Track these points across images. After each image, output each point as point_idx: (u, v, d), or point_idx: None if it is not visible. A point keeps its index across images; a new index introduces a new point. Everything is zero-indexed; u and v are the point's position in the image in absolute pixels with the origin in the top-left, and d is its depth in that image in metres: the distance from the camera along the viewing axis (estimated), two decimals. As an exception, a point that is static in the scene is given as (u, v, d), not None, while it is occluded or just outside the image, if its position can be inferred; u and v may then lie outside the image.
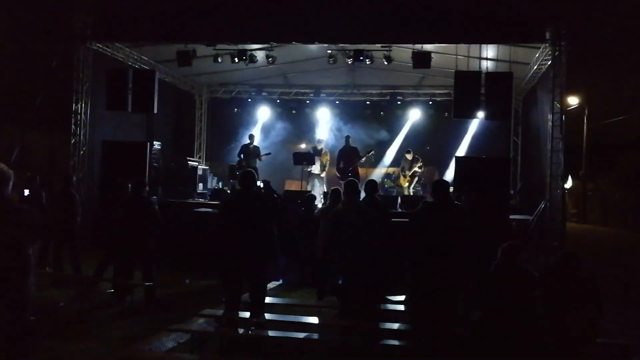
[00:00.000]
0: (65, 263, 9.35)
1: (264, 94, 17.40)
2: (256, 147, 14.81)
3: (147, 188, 8.36)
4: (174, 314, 7.35)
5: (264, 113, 17.58)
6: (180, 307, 7.81)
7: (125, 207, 7.95)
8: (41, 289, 6.45)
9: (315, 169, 14.19)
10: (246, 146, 14.67)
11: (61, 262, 9.37)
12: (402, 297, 7.67)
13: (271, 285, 8.37)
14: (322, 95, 17.10)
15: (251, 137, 15.10)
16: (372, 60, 12.89)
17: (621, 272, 12.33)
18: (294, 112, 17.41)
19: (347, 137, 14.45)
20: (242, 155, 14.38)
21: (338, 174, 14.02)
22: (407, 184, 14.61)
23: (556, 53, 10.58)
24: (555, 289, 5.61)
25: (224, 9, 11.44)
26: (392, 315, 6.98)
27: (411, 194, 14.09)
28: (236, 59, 13.17)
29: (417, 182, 14.62)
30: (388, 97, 16.77)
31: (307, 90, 17.16)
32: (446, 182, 6.39)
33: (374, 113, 17.10)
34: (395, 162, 16.31)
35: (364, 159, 14.08)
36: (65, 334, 6.36)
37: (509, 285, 5.43)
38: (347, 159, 14.01)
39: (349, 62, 13.06)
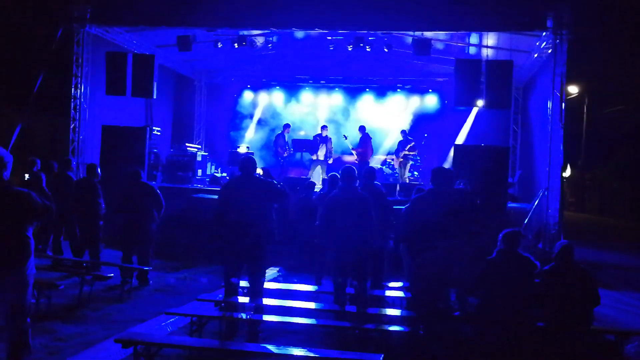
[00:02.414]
0: (65, 246, 9.41)
1: (264, 79, 17.38)
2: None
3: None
4: (173, 299, 7.41)
5: (264, 99, 17.60)
6: (178, 292, 7.86)
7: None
8: (41, 272, 6.47)
9: (321, 155, 14.27)
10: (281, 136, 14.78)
11: (60, 245, 9.43)
12: (400, 284, 7.72)
13: (270, 270, 8.40)
14: (322, 81, 17.09)
15: (287, 126, 15.19)
16: (372, 47, 12.85)
17: (617, 260, 12.44)
18: (294, 98, 17.42)
19: (363, 127, 14.57)
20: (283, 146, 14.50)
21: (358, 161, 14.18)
22: (399, 166, 14.69)
23: (557, 41, 10.54)
24: (552, 279, 5.66)
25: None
26: (390, 301, 7.03)
27: (407, 180, 14.14)
28: (236, 45, 13.12)
29: (410, 166, 14.73)
30: (389, 83, 16.81)
31: (307, 76, 17.12)
32: (443, 168, 6.40)
33: (373, 99, 17.14)
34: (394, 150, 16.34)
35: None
36: (65, 317, 6.41)
37: (509, 272, 5.48)
38: (366, 147, 14.21)
39: (349, 49, 13.02)
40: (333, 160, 14.52)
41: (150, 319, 6.42)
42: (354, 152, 14.75)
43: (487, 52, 12.74)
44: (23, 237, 4.22)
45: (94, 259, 8.51)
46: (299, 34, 12.88)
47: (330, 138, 14.63)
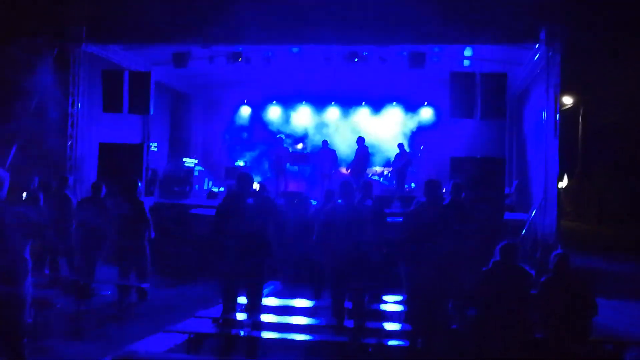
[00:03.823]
0: (62, 264, 9.38)
1: (260, 94, 17.44)
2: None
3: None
4: (171, 315, 7.38)
5: (261, 114, 17.67)
6: (176, 309, 7.83)
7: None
8: (38, 290, 6.45)
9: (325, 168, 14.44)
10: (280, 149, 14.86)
11: (58, 263, 9.39)
12: (399, 297, 7.71)
13: (267, 286, 8.38)
14: (318, 96, 17.16)
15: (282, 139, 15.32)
16: (367, 61, 12.91)
17: (615, 268, 12.43)
18: (291, 112, 17.50)
19: (362, 139, 14.63)
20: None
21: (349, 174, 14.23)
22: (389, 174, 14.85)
23: (550, 53, 10.61)
24: (549, 289, 5.66)
25: (218, 10, 11.45)
26: (389, 315, 7.02)
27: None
28: (231, 60, 13.17)
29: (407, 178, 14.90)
30: (385, 96, 16.90)
31: (303, 91, 17.18)
32: (436, 181, 6.41)
33: (370, 112, 17.22)
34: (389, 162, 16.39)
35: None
36: (62, 335, 6.38)
37: (506, 283, 5.48)
38: (362, 159, 14.27)
39: (345, 63, 13.08)
40: (335, 172, 14.63)
41: (148, 337, 6.40)
42: (344, 170, 14.84)
43: (481, 65, 12.80)
44: (19, 256, 4.22)
45: (89, 276, 8.48)
46: (295, 49, 12.94)
47: (334, 151, 14.75)
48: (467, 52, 12.68)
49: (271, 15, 11.17)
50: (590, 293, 5.68)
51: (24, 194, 9.20)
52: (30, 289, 4.33)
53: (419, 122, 16.90)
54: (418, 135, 16.71)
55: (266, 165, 15.62)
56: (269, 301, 7.05)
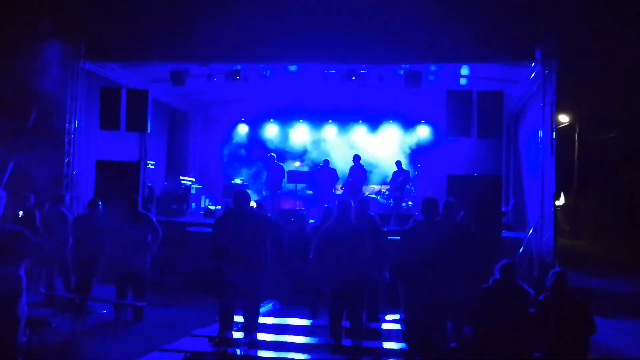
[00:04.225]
0: (57, 282, 9.33)
1: (258, 112, 17.49)
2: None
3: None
4: (167, 333, 7.33)
5: (258, 131, 17.71)
6: (172, 327, 7.78)
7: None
8: (33, 309, 6.41)
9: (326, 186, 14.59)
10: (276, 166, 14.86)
11: (53, 281, 9.34)
12: (396, 316, 7.67)
13: (264, 304, 8.34)
14: (315, 113, 17.22)
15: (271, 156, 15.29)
16: (364, 79, 12.98)
17: (613, 286, 12.40)
18: (288, 130, 17.55)
19: (357, 157, 14.68)
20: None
21: (343, 192, 14.26)
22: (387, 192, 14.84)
23: (546, 72, 10.69)
24: (547, 308, 5.64)
25: (216, 29, 11.52)
26: (386, 334, 6.98)
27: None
28: (229, 78, 13.22)
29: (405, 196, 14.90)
30: (382, 114, 16.98)
31: (301, 109, 17.24)
32: (434, 199, 6.41)
33: (367, 130, 17.29)
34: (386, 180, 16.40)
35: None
36: (58, 355, 6.33)
37: (505, 301, 5.47)
38: (356, 177, 14.28)
39: (342, 82, 13.14)
40: (335, 191, 14.67)
41: (144, 356, 6.34)
42: (339, 187, 14.87)
43: (477, 83, 12.88)
44: (15, 275, 4.20)
45: (85, 294, 8.43)
46: (292, 67, 13.00)
47: (335, 170, 14.79)
48: (464, 70, 12.76)
49: (269, 34, 11.24)
50: (588, 311, 5.66)
51: (21, 212, 9.17)
52: (25, 308, 4.31)
53: (418, 140, 16.93)
54: (416, 153, 16.74)
55: (262, 183, 15.59)
56: (265, 320, 7.02)
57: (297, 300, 9.09)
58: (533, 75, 11.61)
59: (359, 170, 14.55)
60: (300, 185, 14.87)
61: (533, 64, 11.16)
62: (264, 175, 15.36)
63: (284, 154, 16.68)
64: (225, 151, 17.70)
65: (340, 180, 14.94)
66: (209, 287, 6.65)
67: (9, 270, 4.18)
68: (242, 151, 17.64)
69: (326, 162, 15.04)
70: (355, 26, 11.10)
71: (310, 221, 10.22)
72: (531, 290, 5.55)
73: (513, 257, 9.60)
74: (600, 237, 27.36)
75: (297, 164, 16.78)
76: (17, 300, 4.20)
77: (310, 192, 15.62)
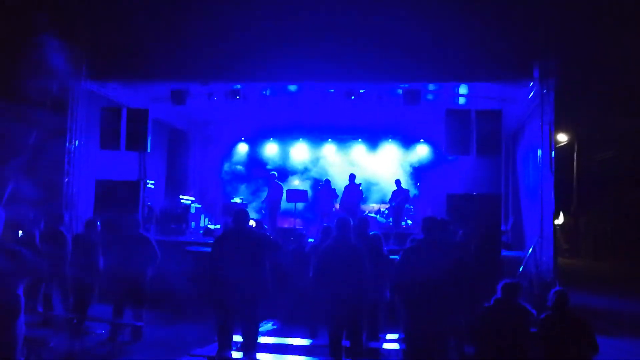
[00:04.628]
0: (56, 302, 9.27)
1: (258, 131, 17.55)
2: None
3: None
4: (166, 354, 7.28)
5: (258, 150, 17.76)
6: (171, 347, 7.73)
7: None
8: (31, 328, 6.37)
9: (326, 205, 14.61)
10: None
11: (51, 301, 9.29)
12: (396, 336, 7.63)
13: (263, 324, 8.29)
14: (315, 132, 17.29)
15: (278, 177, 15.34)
16: (363, 98, 13.04)
17: (614, 305, 12.34)
18: (288, 149, 17.60)
19: (352, 176, 14.71)
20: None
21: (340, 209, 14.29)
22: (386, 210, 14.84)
23: (544, 91, 10.74)
24: (549, 328, 5.62)
25: (216, 49, 11.61)
26: (386, 354, 6.93)
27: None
28: (229, 98, 13.27)
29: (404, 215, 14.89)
30: (381, 133, 17.05)
31: (300, 128, 17.31)
32: (434, 218, 6.41)
33: (366, 149, 17.34)
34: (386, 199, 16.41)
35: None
36: (55, 376, 6.28)
37: (507, 321, 5.45)
38: (351, 196, 14.27)
39: (341, 101, 13.20)
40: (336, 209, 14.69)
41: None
42: (336, 206, 14.90)
43: (476, 102, 12.93)
44: (13, 295, 4.17)
45: (83, 314, 8.38)
46: (292, 87, 13.07)
47: (335, 190, 14.83)
48: (463, 89, 12.83)
49: (269, 54, 11.32)
50: (590, 331, 5.63)
51: (20, 232, 9.14)
52: (23, 328, 4.27)
53: (417, 159, 16.98)
54: (416, 171, 16.78)
55: (260, 202, 15.59)
56: (265, 339, 6.97)
57: (297, 320, 9.04)
58: (531, 94, 11.67)
59: (354, 189, 14.57)
60: (299, 204, 14.86)
61: (531, 83, 11.22)
62: (264, 193, 15.36)
63: (285, 173, 16.70)
64: (225, 170, 17.72)
65: (337, 199, 14.97)
66: (208, 306, 6.61)
67: (7, 291, 4.15)
68: (242, 169, 17.67)
69: (327, 182, 15.05)
70: (354, 46, 11.19)
71: (310, 240, 10.20)
72: (534, 311, 5.53)
73: (513, 276, 9.59)
74: (600, 256, 27.31)
75: (297, 182, 16.79)
76: (15, 320, 4.17)
77: (310, 215, 15.62)
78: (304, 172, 17.19)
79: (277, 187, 14.75)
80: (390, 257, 8.18)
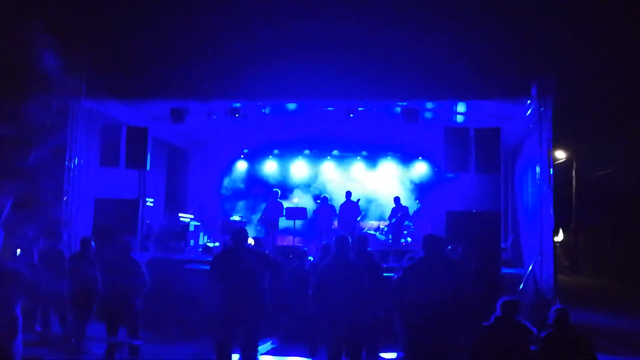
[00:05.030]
0: (53, 321, 9.23)
1: (257, 149, 17.59)
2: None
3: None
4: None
5: (257, 168, 17.78)
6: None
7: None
8: (28, 348, 6.33)
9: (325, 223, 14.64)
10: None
11: (49, 320, 9.24)
12: (394, 354, 7.59)
13: (262, 342, 8.24)
14: (314, 150, 17.34)
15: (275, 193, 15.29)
16: (362, 116, 13.08)
17: (615, 323, 12.28)
18: (287, 167, 17.62)
19: (348, 193, 14.74)
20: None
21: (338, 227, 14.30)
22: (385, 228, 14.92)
23: (542, 108, 10.77)
24: (549, 345, 5.59)
25: (216, 67, 11.67)
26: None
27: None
28: (229, 116, 13.30)
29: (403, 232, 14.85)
30: (380, 151, 17.10)
31: (300, 146, 17.35)
32: (435, 236, 6.40)
33: (365, 166, 17.37)
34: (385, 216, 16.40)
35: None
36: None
37: (507, 339, 5.42)
38: (348, 214, 14.24)
39: (340, 118, 13.24)
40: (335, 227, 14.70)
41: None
42: (335, 223, 14.91)
43: (474, 119, 12.98)
44: (10, 314, 4.16)
45: (81, 333, 8.32)
46: (291, 105, 13.13)
47: (334, 207, 14.83)
48: (461, 107, 12.89)
49: (268, 73, 11.39)
50: (591, 349, 5.60)
51: (18, 250, 9.13)
52: (21, 347, 4.26)
53: (417, 176, 17.01)
54: (415, 188, 16.79)
55: (258, 219, 15.54)
56: (264, 358, 6.93)
57: (296, 338, 8.99)
58: (529, 111, 11.71)
59: (351, 206, 14.59)
60: (298, 222, 14.84)
61: (529, 101, 11.27)
62: (261, 211, 15.34)
63: (284, 190, 16.69)
64: (224, 187, 17.72)
65: (336, 217, 14.96)
66: (207, 324, 6.58)
67: (5, 310, 4.14)
68: (241, 187, 17.68)
69: (325, 199, 15.07)
70: (353, 64, 11.27)
71: (310, 258, 10.18)
72: (534, 329, 5.50)
73: (513, 293, 9.55)
74: (600, 273, 27.24)
75: (296, 200, 16.79)
76: (13, 339, 4.15)
77: (310, 232, 15.61)
78: (303, 189, 17.19)
79: (277, 205, 14.73)
80: (388, 275, 8.17)
